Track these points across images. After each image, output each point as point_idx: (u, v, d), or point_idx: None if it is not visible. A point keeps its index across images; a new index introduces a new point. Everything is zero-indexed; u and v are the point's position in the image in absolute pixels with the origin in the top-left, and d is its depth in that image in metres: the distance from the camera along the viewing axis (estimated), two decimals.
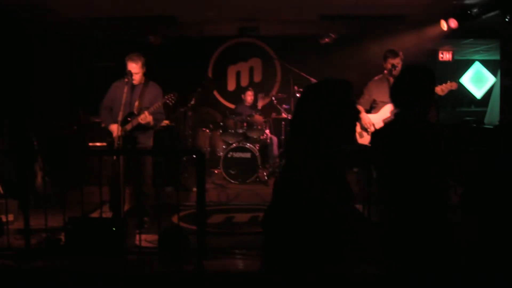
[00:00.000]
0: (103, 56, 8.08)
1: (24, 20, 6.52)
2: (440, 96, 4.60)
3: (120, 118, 4.53)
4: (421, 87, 2.41)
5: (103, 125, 4.98)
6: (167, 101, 4.68)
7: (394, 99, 2.49)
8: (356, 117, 2.05)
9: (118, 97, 4.63)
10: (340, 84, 1.99)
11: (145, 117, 4.55)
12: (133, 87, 4.75)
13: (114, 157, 4.63)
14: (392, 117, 2.54)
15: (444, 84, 4.55)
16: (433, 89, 2.48)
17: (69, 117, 7.52)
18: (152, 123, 4.65)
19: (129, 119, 4.65)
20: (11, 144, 6.33)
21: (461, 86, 10.74)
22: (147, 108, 4.62)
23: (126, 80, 4.65)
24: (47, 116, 7.17)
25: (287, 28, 7.94)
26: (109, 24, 7.12)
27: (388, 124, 2.67)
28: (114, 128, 4.62)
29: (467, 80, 10.88)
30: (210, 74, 8.85)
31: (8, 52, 6.35)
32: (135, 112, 4.67)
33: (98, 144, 7.17)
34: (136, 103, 4.69)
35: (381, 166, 2.49)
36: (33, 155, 5.86)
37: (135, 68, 4.68)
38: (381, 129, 2.67)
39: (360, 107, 5.11)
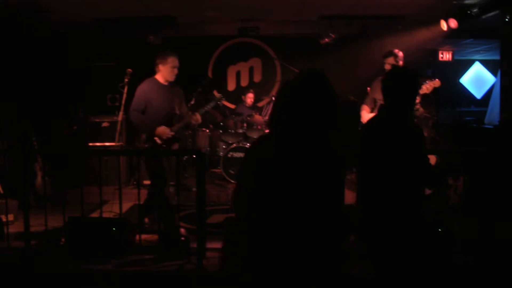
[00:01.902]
0: (103, 56, 8.08)
1: (24, 20, 6.52)
2: (426, 94, 4.72)
3: (120, 118, 4.52)
4: (402, 87, 2.63)
5: (104, 125, 4.91)
6: (218, 103, 4.70)
7: (384, 97, 2.71)
8: (334, 109, 1.98)
9: (152, 99, 4.51)
10: (316, 77, 1.94)
11: (198, 119, 4.61)
12: (163, 88, 4.60)
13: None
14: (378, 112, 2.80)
15: (428, 82, 4.66)
16: (413, 89, 2.67)
17: (69, 117, 7.52)
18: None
19: (175, 121, 4.60)
20: (11, 144, 6.33)
21: (461, 86, 10.74)
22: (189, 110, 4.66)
23: (126, 80, 4.65)
24: (47, 116, 7.17)
25: (287, 28, 7.94)
26: (109, 24, 7.12)
27: (374, 117, 2.87)
28: (163, 130, 4.47)
29: (467, 80, 10.87)
30: (210, 74, 8.85)
31: (8, 52, 6.34)
32: (177, 112, 4.62)
33: (98, 144, 7.18)
34: (177, 104, 4.63)
35: (366, 155, 2.64)
36: (33, 155, 5.86)
37: (177, 62, 4.57)
38: (369, 122, 2.87)
39: (365, 106, 5.17)
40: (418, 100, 4.73)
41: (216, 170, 7.53)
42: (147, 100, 4.48)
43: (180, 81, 4.67)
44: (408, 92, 2.63)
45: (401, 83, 2.62)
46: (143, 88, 4.52)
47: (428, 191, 5.06)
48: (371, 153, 2.58)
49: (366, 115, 5.12)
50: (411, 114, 2.75)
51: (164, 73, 4.57)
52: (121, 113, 4.55)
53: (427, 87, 4.68)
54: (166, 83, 4.62)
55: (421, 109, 4.90)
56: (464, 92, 10.77)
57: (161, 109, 4.51)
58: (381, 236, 2.49)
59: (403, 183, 2.54)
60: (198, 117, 4.59)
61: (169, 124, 4.54)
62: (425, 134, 5.55)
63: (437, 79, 4.69)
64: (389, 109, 2.63)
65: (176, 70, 4.56)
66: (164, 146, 4.51)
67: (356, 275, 3.21)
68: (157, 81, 4.59)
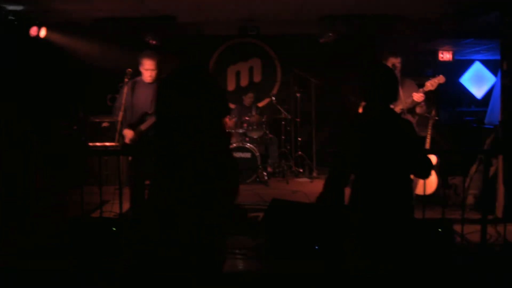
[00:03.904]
0: (103, 56, 8.08)
1: (24, 20, 6.51)
2: (431, 90, 4.72)
3: (120, 118, 4.57)
4: (381, 82, 2.63)
5: (104, 125, 4.98)
6: None
7: (363, 94, 2.72)
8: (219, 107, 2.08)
9: (132, 98, 4.70)
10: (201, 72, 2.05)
11: None
12: (146, 87, 4.74)
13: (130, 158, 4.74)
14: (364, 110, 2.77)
15: (432, 79, 4.68)
16: (390, 84, 2.64)
17: (69, 117, 7.52)
18: None
19: (146, 118, 4.68)
20: (10, 144, 6.33)
21: (461, 86, 10.74)
22: None
23: (126, 80, 4.68)
24: (47, 116, 7.17)
25: (287, 28, 7.93)
26: (109, 24, 7.12)
27: (358, 115, 2.90)
28: (127, 132, 4.64)
29: (467, 80, 10.87)
30: None
31: (8, 52, 6.34)
32: (150, 112, 4.67)
33: (98, 144, 7.18)
34: (150, 103, 4.67)
35: (349, 153, 2.62)
36: (33, 155, 5.86)
37: (150, 65, 4.66)
38: (353, 119, 2.86)
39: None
40: (423, 97, 4.75)
41: None
42: (127, 98, 4.66)
43: None
44: (387, 85, 2.64)
45: (380, 77, 2.64)
46: (123, 89, 4.72)
47: (428, 192, 5.07)
48: (366, 149, 2.57)
49: None
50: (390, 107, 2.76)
51: (142, 74, 4.74)
52: (121, 113, 4.57)
53: (431, 84, 4.70)
54: (152, 81, 4.74)
55: (424, 108, 4.91)
56: (464, 92, 10.77)
57: (139, 109, 4.68)
58: (381, 234, 2.49)
59: (399, 177, 2.54)
60: None
61: (139, 124, 4.68)
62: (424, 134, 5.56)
63: (441, 75, 4.70)
64: (373, 104, 2.64)
65: (150, 72, 4.67)
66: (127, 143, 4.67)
67: (355, 274, 3.21)
68: (140, 80, 4.76)
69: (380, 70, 2.68)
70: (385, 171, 2.52)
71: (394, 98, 2.68)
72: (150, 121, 4.65)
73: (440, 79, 4.68)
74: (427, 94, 4.74)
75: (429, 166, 2.69)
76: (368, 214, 2.51)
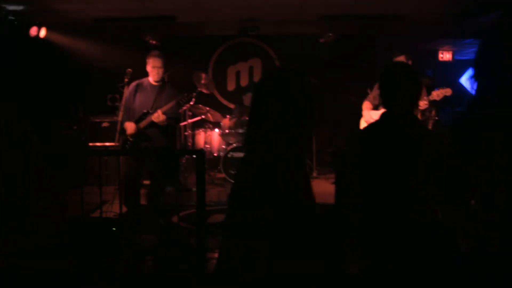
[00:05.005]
0: (103, 56, 8.08)
1: (24, 19, 6.52)
2: (436, 100, 4.73)
3: (120, 118, 4.61)
4: (381, 83, 2.34)
5: (104, 125, 4.99)
6: (180, 101, 4.75)
7: (382, 99, 2.40)
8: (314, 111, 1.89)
9: (134, 97, 4.80)
10: (294, 73, 1.92)
11: (158, 116, 4.60)
12: (150, 87, 4.82)
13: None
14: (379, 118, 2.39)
15: (440, 90, 4.69)
16: (416, 88, 2.33)
17: (69, 117, 7.52)
18: (166, 122, 4.70)
19: (146, 117, 4.74)
20: (11, 144, 6.33)
21: (461, 86, 10.74)
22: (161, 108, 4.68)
23: (126, 80, 4.70)
24: (47, 116, 7.17)
25: (287, 28, 7.94)
26: (109, 24, 7.12)
27: (372, 124, 2.45)
28: (128, 126, 4.69)
29: (467, 80, 10.87)
30: (210, 74, 8.85)
31: (8, 52, 6.35)
32: (150, 111, 4.71)
33: (98, 144, 7.18)
34: (162, 103, 4.74)
35: (363, 166, 2.36)
36: (33, 155, 5.85)
37: (158, 62, 4.76)
38: (365, 129, 2.51)
39: (367, 103, 5.16)
40: (427, 105, 4.74)
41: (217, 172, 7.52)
42: (129, 99, 4.74)
43: (180, 81, 4.71)
44: (386, 87, 2.32)
45: (380, 78, 2.36)
46: (128, 88, 4.79)
47: None
48: (378, 159, 2.34)
49: (368, 112, 5.10)
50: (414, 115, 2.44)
51: (149, 74, 4.81)
52: (121, 113, 4.60)
53: (437, 94, 4.70)
54: (155, 83, 4.81)
55: (425, 115, 4.91)
56: (464, 92, 10.76)
57: (140, 109, 4.74)
58: (382, 235, 2.49)
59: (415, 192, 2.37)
60: (158, 114, 4.61)
61: (140, 121, 4.72)
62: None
63: (449, 88, 4.72)
64: (394, 111, 2.32)
65: (157, 70, 4.76)
66: (130, 142, 4.72)
67: (355, 274, 3.21)
68: (145, 81, 4.84)
69: (382, 71, 2.41)
70: (385, 174, 2.42)
71: (396, 100, 2.31)
72: (149, 119, 4.68)
73: (447, 91, 4.69)
74: (431, 102, 4.75)
75: (460, 188, 2.37)
76: (368, 214, 2.49)
